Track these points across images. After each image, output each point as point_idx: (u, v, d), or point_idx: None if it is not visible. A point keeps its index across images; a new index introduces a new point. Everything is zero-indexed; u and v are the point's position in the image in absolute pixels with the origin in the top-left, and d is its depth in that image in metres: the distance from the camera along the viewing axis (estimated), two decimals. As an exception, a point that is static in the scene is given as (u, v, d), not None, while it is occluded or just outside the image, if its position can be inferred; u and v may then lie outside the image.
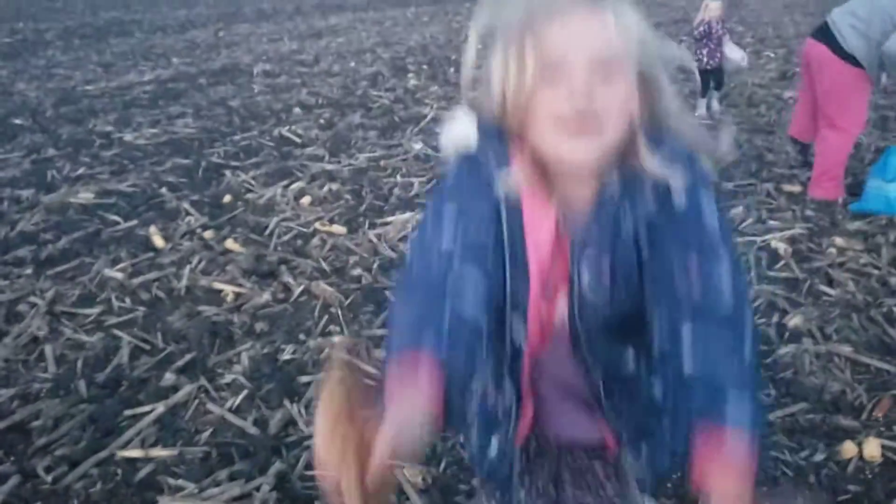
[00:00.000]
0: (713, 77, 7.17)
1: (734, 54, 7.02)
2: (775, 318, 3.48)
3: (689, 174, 1.08)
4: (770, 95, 8.36)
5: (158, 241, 4.38)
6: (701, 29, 6.93)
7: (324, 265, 4.04)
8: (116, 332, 3.40)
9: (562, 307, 1.19)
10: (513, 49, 1.05)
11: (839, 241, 4.32)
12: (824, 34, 4.67)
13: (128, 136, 6.59)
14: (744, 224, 4.60)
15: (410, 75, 9.69)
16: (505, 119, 1.09)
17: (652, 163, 1.06)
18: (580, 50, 1.01)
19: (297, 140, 6.53)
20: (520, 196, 1.13)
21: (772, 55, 11.52)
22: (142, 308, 3.63)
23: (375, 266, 4.05)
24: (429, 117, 7.34)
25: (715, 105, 7.37)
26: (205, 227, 4.59)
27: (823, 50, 4.65)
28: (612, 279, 1.12)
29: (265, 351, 3.24)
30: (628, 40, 1.04)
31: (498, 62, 1.07)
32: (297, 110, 7.62)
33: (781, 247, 4.23)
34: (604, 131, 1.03)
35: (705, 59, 6.99)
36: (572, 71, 1.01)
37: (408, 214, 4.74)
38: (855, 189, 5.07)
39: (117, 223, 4.69)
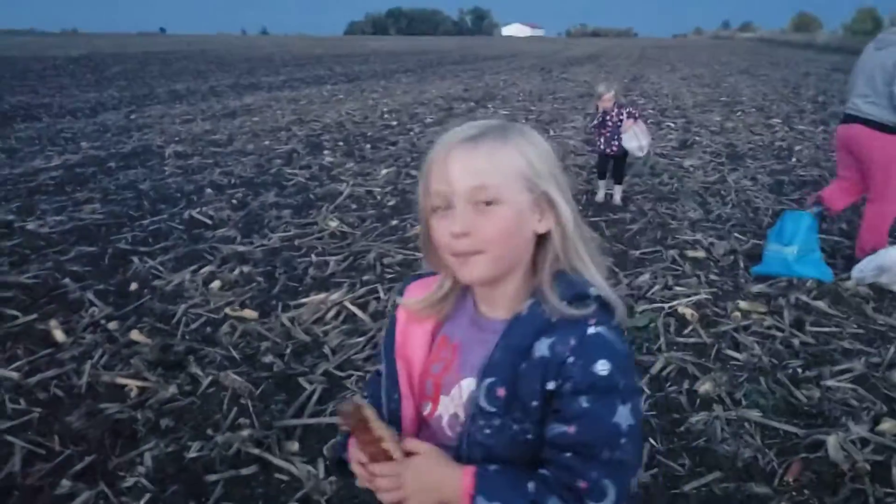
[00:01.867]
0: (614, 167, 6.97)
1: (630, 143, 6.63)
2: (686, 385, 3.54)
3: (590, 314, 1.14)
4: (671, 164, 8.73)
5: (59, 335, 4.17)
6: (595, 122, 6.90)
7: (234, 353, 3.92)
8: (9, 437, 3.19)
9: (443, 409, 1.25)
10: (419, 188, 1.21)
11: (743, 304, 4.47)
12: (853, 118, 4.93)
13: (30, 225, 6.34)
14: (651, 291, 4.72)
15: (326, 152, 9.72)
16: (427, 247, 1.24)
17: (553, 296, 1.14)
18: (458, 184, 1.13)
19: (208, 222, 6.42)
20: (395, 318, 1.32)
21: (672, 125, 12.06)
22: (38, 409, 3.42)
23: (288, 351, 3.96)
24: (345, 194, 7.35)
25: (616, 198, 7.01)
26: (109, 318, 4.41)
27: (860, 129, 4.88)
28: (507, 398, 1.14)
29: (170, 449, 3.09)
30: (509, 170, 1.14)
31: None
32: (208, 191, 7.52)
33: (688, 312, 4.34)
34: (487, 254, 1.14)
35: (602, 146, 6.86)
36: (453, 203, 1.13)
37: (323, 295, 4.68)
38: (756, 253, 5.29)
39: (15, 317, 4.46)
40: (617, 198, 7.00)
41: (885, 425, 3.18)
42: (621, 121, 6.63)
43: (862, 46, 5.16)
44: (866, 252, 4.96)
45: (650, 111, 13.96)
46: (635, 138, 6.59)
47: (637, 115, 6.77)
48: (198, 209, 6.79)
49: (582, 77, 23.63)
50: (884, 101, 4.71)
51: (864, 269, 4.83)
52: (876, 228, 4.99)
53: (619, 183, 7.03)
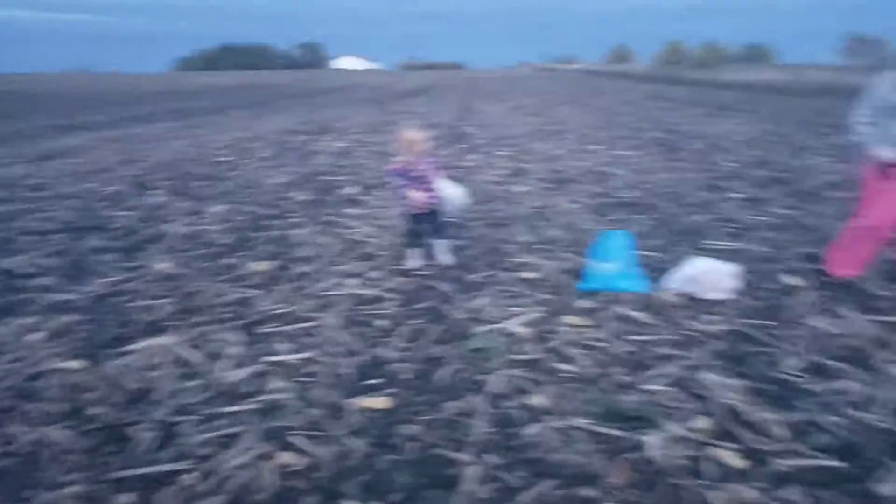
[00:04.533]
0: (428, 223, 5.87)
1: (452, 190, 6.01)
2: (521, 400, 3.70)
3: None
4: (504, 191, 9.11)
5: None
6: (395, 180, 5.80)
7: (59, 407, 3.70)
8: None
9: None
10: None
11: (571, 319, 4.73)
12: None
13: None
14: (487, 313, 4.90)
15: (155, 192, 9.36)
16: None
17: None
18: None
19: (29, 271, 6.01)
20: None
21: (503, 154, 12.58)
22: None
23: (119, 401, 3.77)
24: (175, 234, 7.11)
25: (445, 257, 6.03)
26: (-89, 382, 4.03)
27: None
28: None
29: (-13, 516, 2.87)
30: None
31: None
32: (27, 238, 7.04)
33: (522, 331, 4.54)
34: None
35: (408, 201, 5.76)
36: None
37: (154, 340, 4.50)
38: (582, 271, 5.62)
39: None
40: (445, 256, 6.02)
41: (699, 423, 3.47)
42: (428, 173, 5.69)
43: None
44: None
45: (480, 140, 14.47)
46: (452, 186, 6.05)
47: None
48: (16, 258, 6.34)
49: (416, 108, 24.14)
50: None
51: (675, 281, 5.25)
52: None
53: (445, 237, 6.04)
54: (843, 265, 5.38)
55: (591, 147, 13.41)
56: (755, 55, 57.97)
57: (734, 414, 3.58)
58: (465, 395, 3.79)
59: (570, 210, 8.00)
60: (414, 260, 5.97)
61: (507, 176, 10.31)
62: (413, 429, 3.47)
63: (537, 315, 4.84)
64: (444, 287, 5.47)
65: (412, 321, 4.83)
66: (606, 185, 9.59)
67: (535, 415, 3.57)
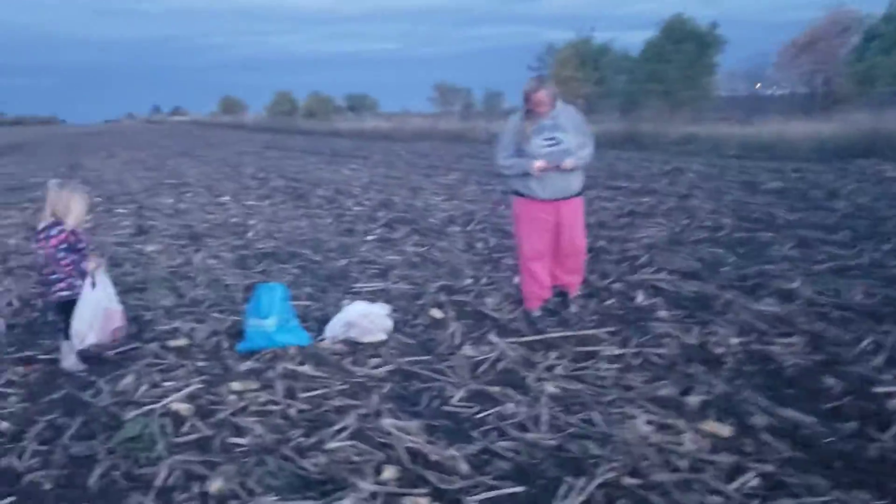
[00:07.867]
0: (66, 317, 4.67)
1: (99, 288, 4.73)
2: (197, 489, 3.28)
3: None
4: (132, 252, 8.33)
5: None
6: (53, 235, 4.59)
7: None
8: None
9: None
10: None
11: (236, 385, 4.38)
12: None
13: None
14: (138, 393, 4.33)
15: None
16: None
17: None
18: None
19: None
20: None
21: (123, 211, 11.61)
22: None
23: None
24: None
25: (70, 360, 4.77)
26: None
27: None
28: None
29: None
30: None
31: None
32: None
33: (183, 407, 4.09)
34: None
35: (61, 287, 4.68)
36: None
37: None
38: (237, 330, 5.28)
39: None
40: (69, 359, 4.78)
41: (387, 473, 3.38)
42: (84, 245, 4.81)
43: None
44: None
45: (98, 199, 13.20)
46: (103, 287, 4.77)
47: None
48: None
49: (9, 168, 21.32)
50: None
51: (334, 328, 5.18)
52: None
53: (69, 336, 4.68)
54: (534, 297, 5.63)
55: (219, 199, 12.98)
56: (359, 104, 61.60)
57: (418, 456, 3.56)
58: (129, 496, 3.25)
59: (210, 266, 7.56)
60: (71, 357, 4.79)
61: (134, 235, 9.49)
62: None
63: (197, 386, 4.40)
64: (78, 369, 4.73)
65: (43, 417, 4.08)
66: (243, 237, 9.30)
67: (219, 502, 3.18)
